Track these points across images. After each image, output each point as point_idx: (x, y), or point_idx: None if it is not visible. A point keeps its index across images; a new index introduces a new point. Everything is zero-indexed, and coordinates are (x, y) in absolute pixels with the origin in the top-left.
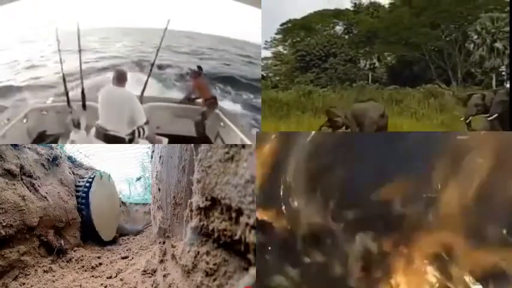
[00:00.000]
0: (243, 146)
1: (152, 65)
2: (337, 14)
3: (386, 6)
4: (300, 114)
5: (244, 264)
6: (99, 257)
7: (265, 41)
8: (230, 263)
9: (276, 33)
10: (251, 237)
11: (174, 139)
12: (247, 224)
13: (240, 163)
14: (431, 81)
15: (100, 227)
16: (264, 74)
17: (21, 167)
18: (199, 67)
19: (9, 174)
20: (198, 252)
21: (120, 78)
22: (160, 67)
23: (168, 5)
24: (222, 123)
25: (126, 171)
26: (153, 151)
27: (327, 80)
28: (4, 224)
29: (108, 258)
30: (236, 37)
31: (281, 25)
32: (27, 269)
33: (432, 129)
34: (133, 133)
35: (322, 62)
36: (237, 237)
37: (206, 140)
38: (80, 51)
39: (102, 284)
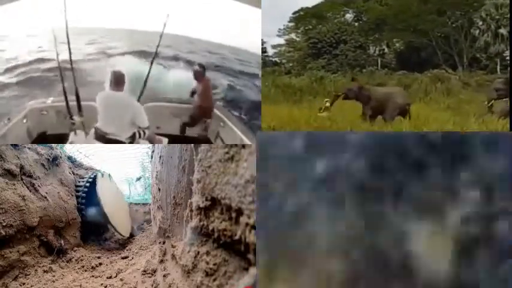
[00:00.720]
0: (243, 146)
1: (152, 62)
2: (347, 2)
3: None
4: (312, 99)
5: (244, 264)
6: (99, 257)
7: (279, 29)
8: (230, 263)
9: (289, 21)
10: (251, 237)
11: (174, 139)
12: (247, 224)
13: (240, 163)
14: (438, 66)
15: (116, 223)
16: (278, 61)
17: (21, 167)
18: (201, 65)
19: (9, 174)
20: (198, 252)
21: (118, 82)
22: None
23: (168, 9)
24: (221, 123)
25: (126, 171)
26: (153, 151)
27: (338, 66)
28: (4, 224)
29: (108, 258)
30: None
31: (293, 13)
32: (27, 269)
33: (439, 113)
34: (133, 135)
35: (333, 48)
36: (237, 237)
37: (206, 140)
38: (70, 54)
39: (102, 284)
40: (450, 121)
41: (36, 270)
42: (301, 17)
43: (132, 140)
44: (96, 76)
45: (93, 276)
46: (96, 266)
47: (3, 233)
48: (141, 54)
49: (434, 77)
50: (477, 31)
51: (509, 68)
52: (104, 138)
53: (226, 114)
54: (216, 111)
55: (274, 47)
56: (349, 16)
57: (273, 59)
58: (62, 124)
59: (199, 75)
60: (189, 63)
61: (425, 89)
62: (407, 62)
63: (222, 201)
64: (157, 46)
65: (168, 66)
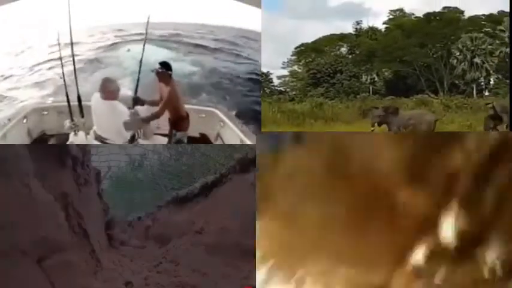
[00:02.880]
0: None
1: (141, 61)
2: (342, 37)
3: (383, 30)
4: (313, 122)
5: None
6: None
7: (283, 62)
8: None
9: (292, 55)
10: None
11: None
12: None
13: None
14: (422, 91)
15: None
16: (283, 89)
17: None
18: (166, 64)
19: None
20: None
21: (109, 90)
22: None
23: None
24: (221, 123)
25: None
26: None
27: (335, 93)
28: None
29: None
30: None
31: (295, 48)
32: None
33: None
34: (133, 137)
35: (330, 78)
36: None
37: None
38: (72, 55)
39: None
40: None
41: None
42: (302, 51)
43: (132, 140)
44: None
45: None
46: None
47: None
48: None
49: (419, 101)
50: (455, 61)
51: (509, 74)
52: (102, 142)
53: (226, 114)
54: (215, 111)
55: (279, 77)
56: (343, 50)
57: (278, 88)
58: (62, 124)
59: (164, 76)
60: None
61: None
62: (395, 89)
63: None
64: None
65: None
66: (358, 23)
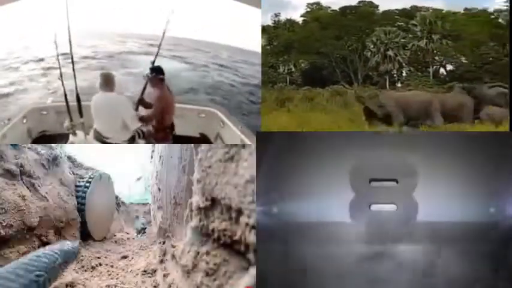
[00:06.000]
0: (243, 146)
1: (153, 63)
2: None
3: (300, 22)
4: None
5: (245, 264)
6: (99, 257)
7: None
8: (230, 263)
9: None
10: (251, 237)
11: (174, 139)
12: (247, 224)
13: (240, 163)
14: (337, 82)
15: (92, 227)
16: None
17: (21, 167)
18: (157, 68)
19: (9, 174)
20: (198, 253)
21: (107, 83)
22: None
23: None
24: (221, 123)
25: (126, 171)
26: (153, 151)
27: None
28: (4, 224)
29: (107, 258)
30: None
31: None
32: None
33: (337, 122)
34: (133, 136)
35: None
36: (237, 237)
37: (206, 140)
38: (71, 56)
39: (102, 284)
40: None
41: None
42: None
43: (132, 140)
44: None
45: (92, 276)
46: (96, 266)
47: (3, 233)
48: None
49: (334, 91)
50: (369, 53)
51: (509, 73)
52: (102, 141)
53: (226, 115)
54: (215, 111)
55: None
56: (262, 41)
57: None
58: (62, 124)
59: (156, 81)
60: None
61: (326, 102)
62: (311, 79)
63: (222, 201)
64: (160, 44)
65: None
66: (276, 15)
